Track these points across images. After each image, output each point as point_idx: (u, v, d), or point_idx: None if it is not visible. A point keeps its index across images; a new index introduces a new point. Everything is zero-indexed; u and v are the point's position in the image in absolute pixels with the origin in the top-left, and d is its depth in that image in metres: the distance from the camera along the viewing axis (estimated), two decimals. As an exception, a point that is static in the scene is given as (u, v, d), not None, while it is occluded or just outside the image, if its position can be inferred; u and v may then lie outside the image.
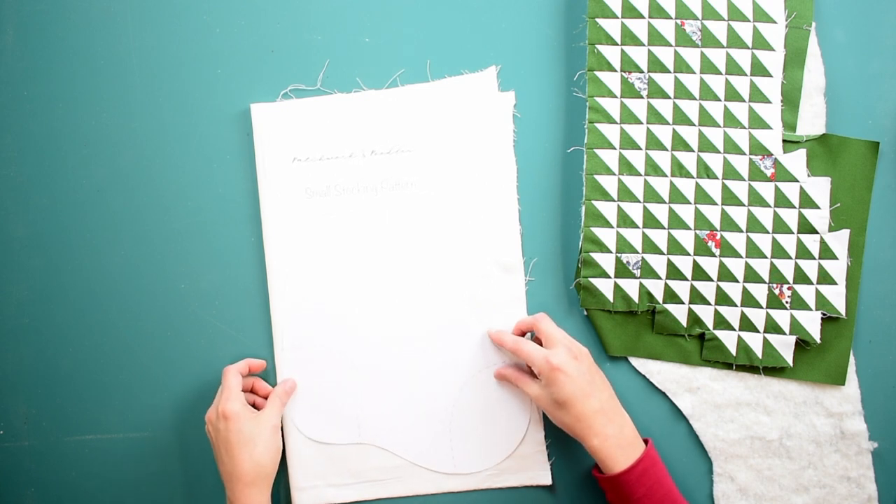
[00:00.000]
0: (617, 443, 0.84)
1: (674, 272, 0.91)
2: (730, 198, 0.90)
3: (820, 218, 0.90)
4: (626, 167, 0.91)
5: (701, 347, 0.92)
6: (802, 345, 0.91)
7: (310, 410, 0.93)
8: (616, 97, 0.91)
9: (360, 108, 0.93)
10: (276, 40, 0.93)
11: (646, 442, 0.86)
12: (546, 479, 0.92)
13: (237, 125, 0.93)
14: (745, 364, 0.91)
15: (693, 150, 0.91)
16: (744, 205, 0.90)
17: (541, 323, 0.88)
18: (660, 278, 0.91)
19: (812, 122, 0.91)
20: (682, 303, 0.91)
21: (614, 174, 0.91)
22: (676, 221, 0.91)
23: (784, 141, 0.90)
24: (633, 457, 0.83)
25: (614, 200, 0.91)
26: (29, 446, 0.94)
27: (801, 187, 0.90)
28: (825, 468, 0.91)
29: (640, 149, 0.91)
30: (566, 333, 0.88)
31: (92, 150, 0.94)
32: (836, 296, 0.90)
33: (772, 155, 0.90)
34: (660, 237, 0.91)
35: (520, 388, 0.89)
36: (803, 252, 0.90)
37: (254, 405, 0.91)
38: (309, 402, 0.93)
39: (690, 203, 0.91)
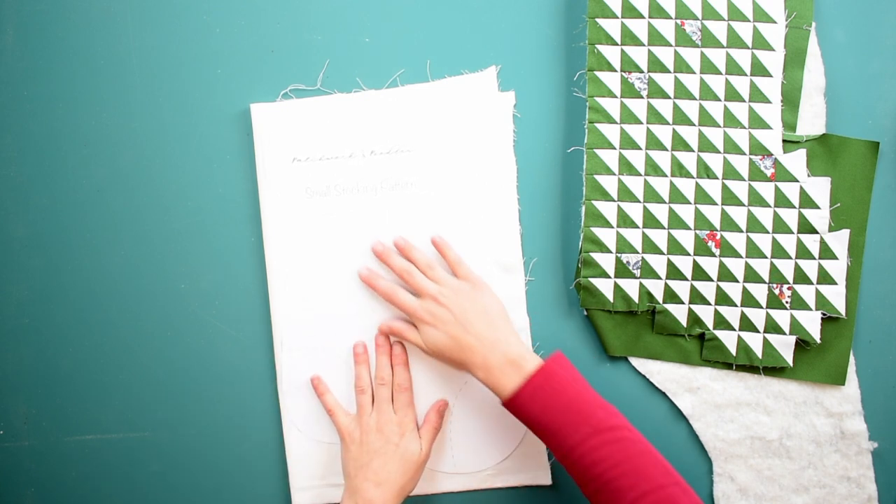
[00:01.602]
0: (501, 371, 0.83)
1: (674, 272, 0.91)
2: (730, 198, 0.90)
3: (820, 218, 0.90)
4: (626, 167, 0.91)
5: (701, 347, 0.92)
6: (802, 345, 0.91)
7: (310, 410, 0.93)
8: (616, 97, 0.91)
9: (360, 108, 0.93)
10: (276, 40, 0.93)
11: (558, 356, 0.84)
12: (546, 478, 0.92)
13: (237, 125, 0.93)
14: (745, 364, 0.91)
15: (693, 150, 0.91)
16: (744, 205, 0.90)
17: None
18: (660, 278, 0.91)
19: (812, 122, 0.91)
20: (682, 303, 0.91)
21: (614, 174, 0.91)
22: (676, 221, 0.91)
23: (784, 141, 0.90)
24: (520, 380, 0.82)
25: (614, 200, 0.91)
26: (29, 446, 0.94)
27: (801, 187, 0.90)
28: (825, 468, 0.91)
29: (640, 149, 0.91)
30: (433, 275, 0.89)
31: (92, 150, 0.94)
32: (836, 296, 0.90)
33: (772, 155, 0.90)
34: (660, 237, 0.91)
35: (405, 340, 0.90)
36: (803, 252, 0.90)
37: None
38: (309, 402, 0.93)
39: (690, 203, 0.91)
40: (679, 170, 0.91)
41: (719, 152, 0.90)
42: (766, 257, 0.90)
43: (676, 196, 0.91)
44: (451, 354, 0.86)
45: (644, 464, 0.78)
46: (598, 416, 0.79)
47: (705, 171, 0.91)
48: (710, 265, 0.90)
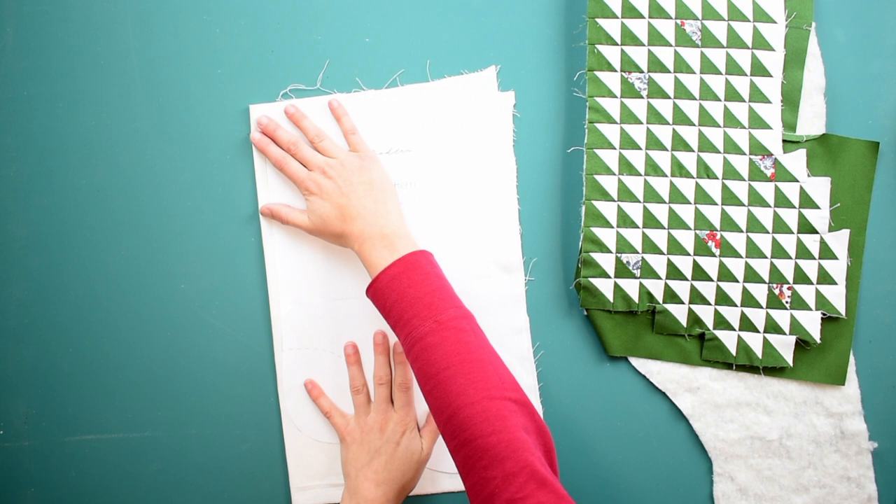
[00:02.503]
0: (373, 244, 0.82)
1: (674, 272, 0.91)
2: (730, 198, 0.90)
3: (820, 218, 0.90)
4: (626, 167, 0.91)
5: (701, 347, 0.92)
6: (802, 345, 0.91)
7: (310, 410, 0.93)
8: (616, 97, 0.91)
9: (360, 108, 0.93)
10: (276, 40, 0.93)
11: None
12: (546, 479, 0.92)
13: (237, 125, 0.93)
14: (745, 364, 0.91)
15: (693, 150, 0.91)
16: (744, 205, 0.90)
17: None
18: (660, 278, 0.91)
19: (812, 122, 0.91)
20: (682, 303, 0.91)
21: (614, 174, 0.91)
22: (676, 221, 0.91)
23: (784, 141, 0.90)
24: (391, 258, 0.81)
25: (614, 200, 0.91)
26: (29, 446, 0.94)
27: (801, 187, 0.90)
28: (825, 468, 0.91)
29: (640, 149, 0.91)
30: (324, 147, 0.89)
31: (92, 150, 0.94)
32: (836, 296, 0.90)
33: (772, 155, 0.90)
34: (660, 237, 0.91)
35: (285, 221, 0.90)
36: (803, 252, 0.90)
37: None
38: (309, 403, 0.93)
39: (690, 203, 0.91)
40: (679, 170, 0.91)
41: (719, 152, 0.90)
42: (766, 257, 0.90)
43: (676, 196, 0.91)
44: (332, 225, 0.85)
45: (480, 370, 0.74)
46: (448, 314, 0.77)
47: (705, 171, 0.91)
48: (710, 265, 0.90)
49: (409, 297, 0.78)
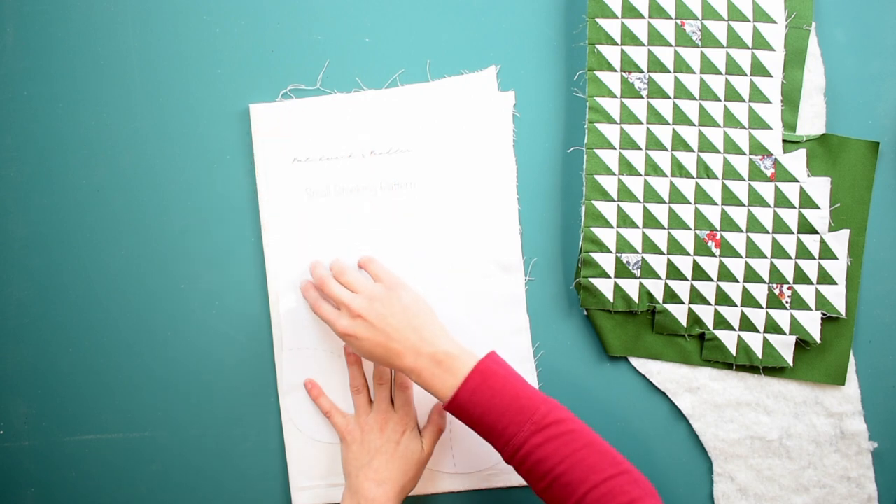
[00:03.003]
0: (433, 374, 0.80)
1: (674, 272, 0.91)
2: (730, 198, 0.90)
3: (820, 218, 0.90)
4: (626, 167, 0.91)
5: (701, 347, 0.92)
6: (802, 345, 0.91)
7: (310, 410, 0.93)
8: (616, 97, 0.91)
9: (360, 108, 0.93)
10: (276, 40, 0.93)
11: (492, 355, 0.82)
12: (546, 479, 0.92)
13: (237, 125, 0.93)
14: (745, 364, 0.91)
15: (693, 150, 0.91)
16: (744, 205, 0.90)
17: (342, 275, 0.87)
18: (660, 278, 0.91)
19: (812, 122, 0.91)
20: (682, 303, 0.91)
21: (614, 174, 0.91)
22: (676, 221, 0.91)
23: (784, 141, 0.90)
24: (458, 382, 0.80)
25: (614, 200, 0.91)
26: (29, 446, 0.94)
27: (801, 187, 0.90)
28: (825, 468, 0.91)
29: (640, 149, 0.91)
30: (355, 282, 0.86)
31: (92, 150, 0.94)
32: (836, 296, 0.90)
33: (772, 155, 0.90)
34: (660, 237, 0.91)
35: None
36: (803, 252, 0.90)
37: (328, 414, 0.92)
38: (309, 402, 0.93)
39: (690, 203, 0.91)
40: (679, 170, 0.91)
41: (719, 152, 0.90)
42: (766, 257, 0.90)
43: (676, 196, 0.91)
44: (382, 363, 0.83)
45: (591, 455, 0.76)
46: (541, 412, 0.78)
47: (705, 171, 0.91)
48: (710, 265, 0.90)
49: (496, 408, 0.78)
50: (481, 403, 0.78)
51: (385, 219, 0.92)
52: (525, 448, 0.77)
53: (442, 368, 0.80)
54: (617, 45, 0.90)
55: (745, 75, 0.90)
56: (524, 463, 0.77)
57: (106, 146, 0.94)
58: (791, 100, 0.90)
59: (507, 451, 0.78)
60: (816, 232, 0.90)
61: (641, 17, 0.90)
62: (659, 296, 0.91)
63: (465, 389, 0.79)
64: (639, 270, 0.91)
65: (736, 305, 0.91)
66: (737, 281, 0.90)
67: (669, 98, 0.90)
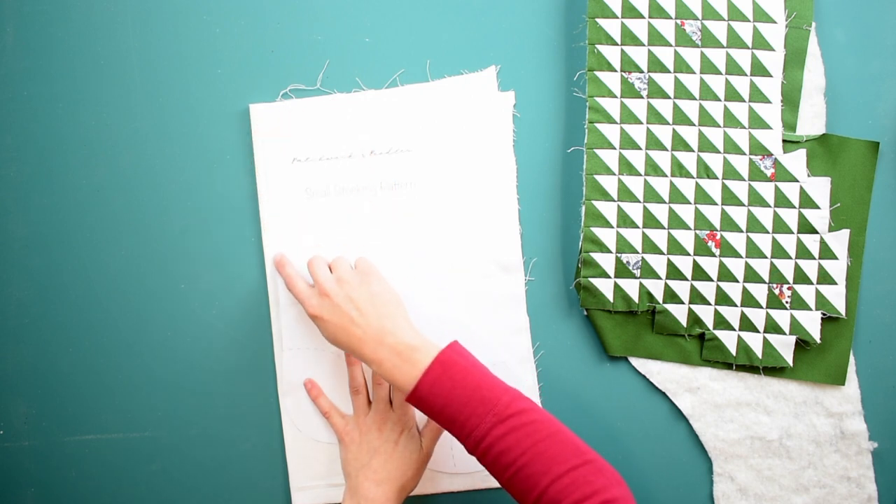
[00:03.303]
0: (393, 364, 0.80)
1: (674, 272, 0.91)
2: (730, 198, 0.90)
3: (820, 218, 0.90)
4: (626, 167, 0.91)
5: (701, 347, 0.92)
6: (802, 345, 0.91)
7: (310, 410, 0.93)
8: (616, 97, 0.91)
9: (360, 108, 0.93)
10: (276, 40, 0.93)
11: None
12: (546, 479, 0.92)
13: (237, 125, 0.93)
14: (745, 364, 0.91)
15: (693, 150, 0.91)
16: (744, 205, 0.90)
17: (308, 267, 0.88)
18: (660, 278, 0.91)
19: (812, 122, 0.91)
20: (682, 303, 0.91)
21: (614, 174, 0.91)
22: (676, 221, 0.91)
23: (784, 141, 0.90)
24: (418, 373, 0.78)
25: (614, 200, 0.91)
26: (29, 446, 0.94)
27: (801, 187, 0.90)
28: (825, 468, 0.91)
29: (640, 149, 0.91)
30: (334, 264, 0.87)
31: (92, 150, 0.94)
32: (836, 296, 0.90)
33: (772, 155, 0.90)
34: (660, 237, 0.91)
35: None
36: (803, 252, 0.90)
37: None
38: (309, 403, 0.92)
39: (690, 203, 0.91)
40: (679, 170, 0.91)
41: (719, 152, 0.90)
42: (766, 257, 0.90)
43: (676, 196, 0.91)
44: (346, 350, 0.83)
45: (553, 446, 0.75)
46: (503, 402, 0.77)
47: (705, 171, 0.91)
48: (710, 265, 0.90)
49: (457, 399, 0.77)
50: (442, 395, 0.77)
51: (385, 219, 0.92)
52: (487, 439, 0.76)
53: (402, 359, 0.80)
54: (617, 45, 0.90)
55: (745, 75, 0.90)
56: (487, 455, 0.77)
57: (106, 146, 0.94)
58: (791, 100, 0.90)
59: (470, 443, 0.77)
60: (816, 232, 0.90)
61: (641, 17, 0.90)
62: (659, 296, 0.91)
63: (425, 381, 0.78)
64: (639, 270, 0.91)
65: (736, 305, 0.91)
66: (737, 281, 0.90)
67: (669, 98, 0.90)
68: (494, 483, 0.92)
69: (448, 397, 0.77)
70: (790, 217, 0.90)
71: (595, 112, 0.91)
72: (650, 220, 0.91)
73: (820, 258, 0.90)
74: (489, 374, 0.79)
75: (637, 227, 0.91)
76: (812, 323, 0.90)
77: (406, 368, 0.79)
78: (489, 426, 0.76)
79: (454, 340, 0.82)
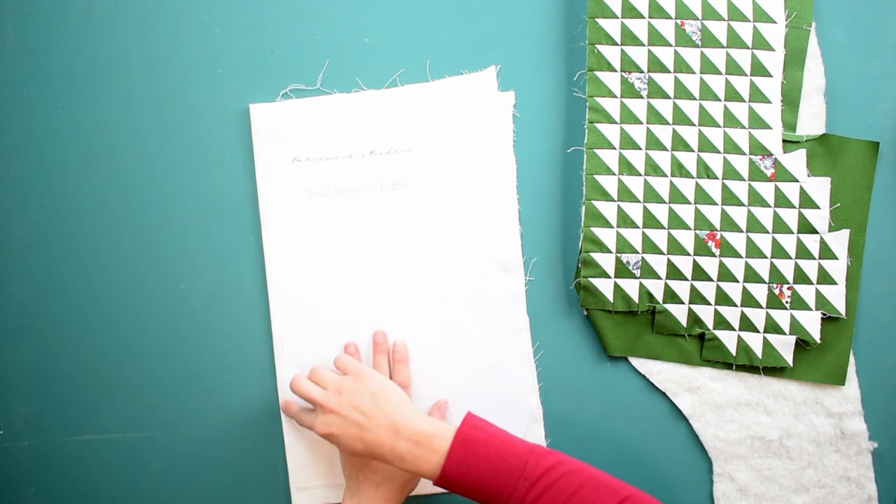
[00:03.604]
0: (416, 455, 0.79)
1: (674, 272, 0.91)
2: (730, 198, 0.90)
3: (820, 218, 0.90)
4: (626, 167, 0.91)
5: (701, 347, 0.92)
6: (802, 345, 0.91)
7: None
8: (616, 97, 0.91)
9: (360, 108, 0.93)
10: (276, 40, 0.93)
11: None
12: (546, 479, 0.92)
13: (237, 125, 0.93)
14: (745, 364, 0.91)
15: (693, 150, 0.91)
16: (744, 205, 0.90)
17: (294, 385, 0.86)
18: (660, 278, 0.91)
19: (812, 122, 0.91)
20: (682, 303, 0.91)
21: (614, 174, 0.91)
22: (676, 221, 0.91)
23: (784, 141, 0.90)
24: (441, 458, 0.78)
25: (614, 200, 0.91)
26: (29, 446, 0.94)
27: (801, 187, 0.90)
28: (825, 468, 0.91)
29: (640, 149, 0.91)
30: (324, 378, 0.84)
31: (92, 150, 0.94)
32: (836, 296, 0.90)
33: (772, 155, 0.90)
34: (660, 237, 0.91)
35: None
36: (803, 252, 0.90)
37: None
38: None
39: (690, 203, 0.91)
40: (679, 170, 0.91)
41: (719, 152, 0.91)
42: (766, 257, 0.90)
43: (676, 196, 0.91)
44: (367, 456, 0.81)
45: (589, 493, 0.76)
46: (530, 465, 0.77)
47: (705, 171, 0.91)
48: (710, 265, 0.90)
49: (486, 474, 0.77)
50: (470, 473, 0.78)
51: (385, 219, 0.92)
52: None
53: (423, 448, 0.79)
54: (617, 45, 0.90)
55: (745, 75, 0.90)
56: None
57: (106, 146, 0.94)
58: (791, 100, 0.90)
59: None
60: (816, 232, 0.90)
61: (641, 17, 0.90)
62: (659, 296, 0.91)
63: (450, 464, 0.78)
64: (639, 270, 0.91)
65: (736, 305, 0.91)
66: (737, 281, 0.90)
67: (669, 98, 0.90)
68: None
69: (476, 474, 0.78)
70: (790, 217, 0.90)
71: (595, 112, 0.91)
72: (650, 220, 0.91)
73: (820, 258, 0.90)
74: (509, 437, 0.80)
75: (637, 227, 0.91)
76: (812, 323, 0.90)
77: (429, 456, 0.79)
78: (524, 492, 0.76)
79: (467, 413, 0.81)
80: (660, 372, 0.92)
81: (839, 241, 0.90)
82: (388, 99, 0.93)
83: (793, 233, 0.90)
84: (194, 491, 0.94)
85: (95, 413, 0.94)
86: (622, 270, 0.91)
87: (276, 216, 0.93)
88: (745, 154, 0.90)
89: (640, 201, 0.91)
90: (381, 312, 0.92)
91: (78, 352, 0.94)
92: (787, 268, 0.90)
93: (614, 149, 0.91)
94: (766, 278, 0.90)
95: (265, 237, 0.93)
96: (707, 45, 0.90)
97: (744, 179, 0.90)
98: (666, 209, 0.91)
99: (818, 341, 0.90)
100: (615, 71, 0.91)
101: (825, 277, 0.90)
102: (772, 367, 0.91)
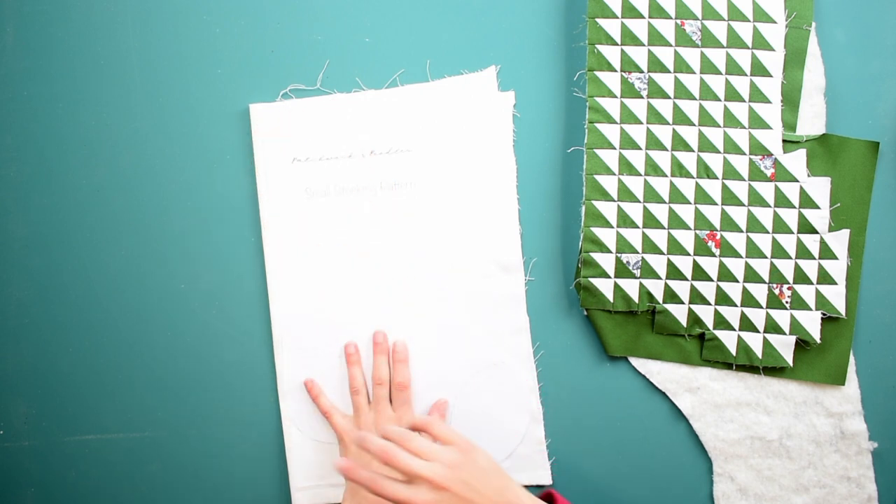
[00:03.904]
0: None
1: (674, 272, 0.91)
2: (730, 198, 0.90)
3: (820, 218, 0.90)
4: (626, 167, 0.91)
5: (701, 347, 0.92)
6: (802, 345, 0.91)
7: (310, 410, 0.93)
8: (616, 97, 0.91)
9: (360, 108, 0.93)
10: (276, 40, 0.93)
11: (549, 495, 0.83)
12: (546, 478, 0.92)
13: (237, 125, 0.93)
14: (745, 364, 0.91)
15: (693, 150, 0.91)
16: (744, 205, 0.90)
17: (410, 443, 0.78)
18: (660, 278, 0.91)
19: (812, 122, 0.91)
20: (682, 303, 0.91)
21: (614, 174, 0.91)
22: (676, 221, 0.91)
23: (784, 141, 0.90)
24: None
25: (614, 200, 0.91)
26: (29, 446, 0.94)
27: (801, 187, 0.90)
28: (825, 468, 0.91)
29: (640, 149, 0.91)
30: (425, 449, 0.77)
31: (92, 150, 0.94)
32: (836, 296, 0.90)
33: (772, 155, 0.90)
34: (660, 237, 0.91)
35: None
36: (803, 252, 0.90)
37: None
38: (309, 403, 0.93)
39: (690, 203, 0.91)
40: (679, 170, 0.91)
41: (719, 152, 0.91)
42: (766, 257, 0.90)
43: (676, 196, 0.91)
44: None
45: None
46: None
47: (705, 171, 0.91)
48: (710, 265, 0.90)
49: None
50: None
51: (385, 219, 0.93)
52: None
53: None
54: (617, 45, 0.90)
55: (745, 75, 0.90)
56: None
57: (106, 146, 0.94)
58: (791, 100, 0.90)
59: None
60: (816, 232, 0.90)
61: (641, 17, 0.90)
62: (659, 296, 0.91)
63: None
64: (639, 270, 0.91)
65: (736, 305, 0.91)
66: (737, 281, 0.90)
67: (669, 98, 0.90)
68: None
69: None
70: (790, 217, 0.90)
71: (595, 112, 0.91)
72: (650, 220, 0.91)
73: (820, 258, 0.90)
74: None
75: (637, 227, 0.91)
76: (812, 323, 0.90)
77: None
78: None
79: (549, 489, 0.84)
80: (660, 372, 0.92)
81: (839, 241, 0.90)
82: (388, 99, 0.93)
83: (793, 233, 0.90)
84: (194, 491, 0.94)
85: (95, 413, 0.94)
86: (622, 270, 0.91)
87: (276, 216, 0.93)
88: (745, 154, 0.90)
89: (640, 201, 0.91)
90: (381, 312, 0.92)
91: (78, 352, 0.94)
92: (787, 268, 0.90)
93: (614, 149, 0.91)
94: (766, 278, 0.90)
95: (265, 237, 0.93)
96: (707, 45, 0.90)
97: (744, 179, 0.90)
98: (666, 209, 0.91)
99: (818, 341, 0.90)
100: (615, 71, 0.91)
101: (825, 277, 0.90)
102: (772, 367, 0.91)
